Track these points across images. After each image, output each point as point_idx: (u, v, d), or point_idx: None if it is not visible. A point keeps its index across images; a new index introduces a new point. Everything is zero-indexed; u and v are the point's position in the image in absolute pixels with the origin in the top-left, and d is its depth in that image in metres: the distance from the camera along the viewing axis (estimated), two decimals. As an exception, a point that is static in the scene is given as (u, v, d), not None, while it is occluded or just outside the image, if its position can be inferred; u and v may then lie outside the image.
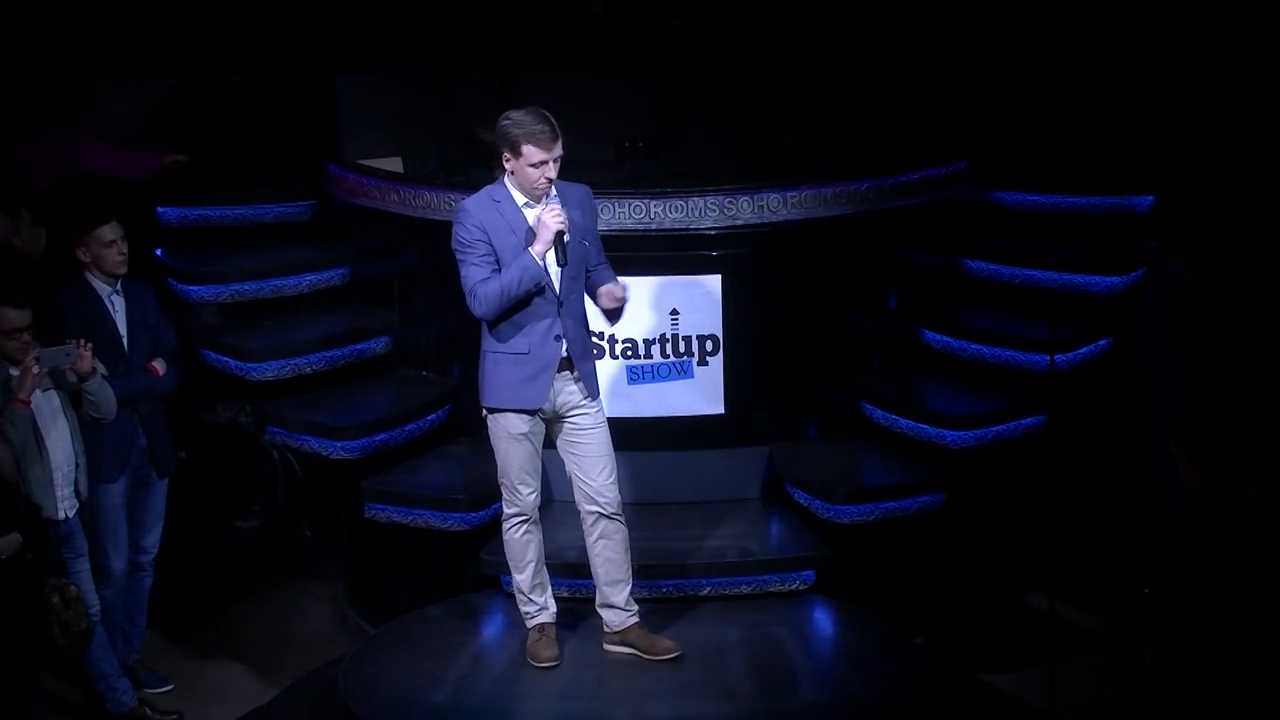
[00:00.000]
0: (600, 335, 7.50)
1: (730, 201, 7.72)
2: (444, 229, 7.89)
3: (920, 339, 8.28)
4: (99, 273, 7.40)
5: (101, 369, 7.09)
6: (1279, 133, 8.37)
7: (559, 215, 6.44)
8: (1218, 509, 6.55)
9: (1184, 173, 8.45)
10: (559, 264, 6.49)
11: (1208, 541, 6.55)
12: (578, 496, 6.78)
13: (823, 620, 7.38)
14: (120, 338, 7.41)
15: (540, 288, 6.52)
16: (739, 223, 7.75)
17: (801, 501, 7.71)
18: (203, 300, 8.58)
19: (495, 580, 7.52)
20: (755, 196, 7.76)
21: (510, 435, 6.69)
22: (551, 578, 6.98)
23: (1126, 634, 7.49)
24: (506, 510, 6.83)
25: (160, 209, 8.79)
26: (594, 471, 6.71)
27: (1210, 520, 6.55)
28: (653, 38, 9.47)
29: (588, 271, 6.69)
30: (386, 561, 8.06)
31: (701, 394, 7.84)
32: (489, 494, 7.61)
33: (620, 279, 6.70)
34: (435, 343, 8.43)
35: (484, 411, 6.77)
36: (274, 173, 9.14)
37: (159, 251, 8.66)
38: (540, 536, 6.87)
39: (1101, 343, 8.16)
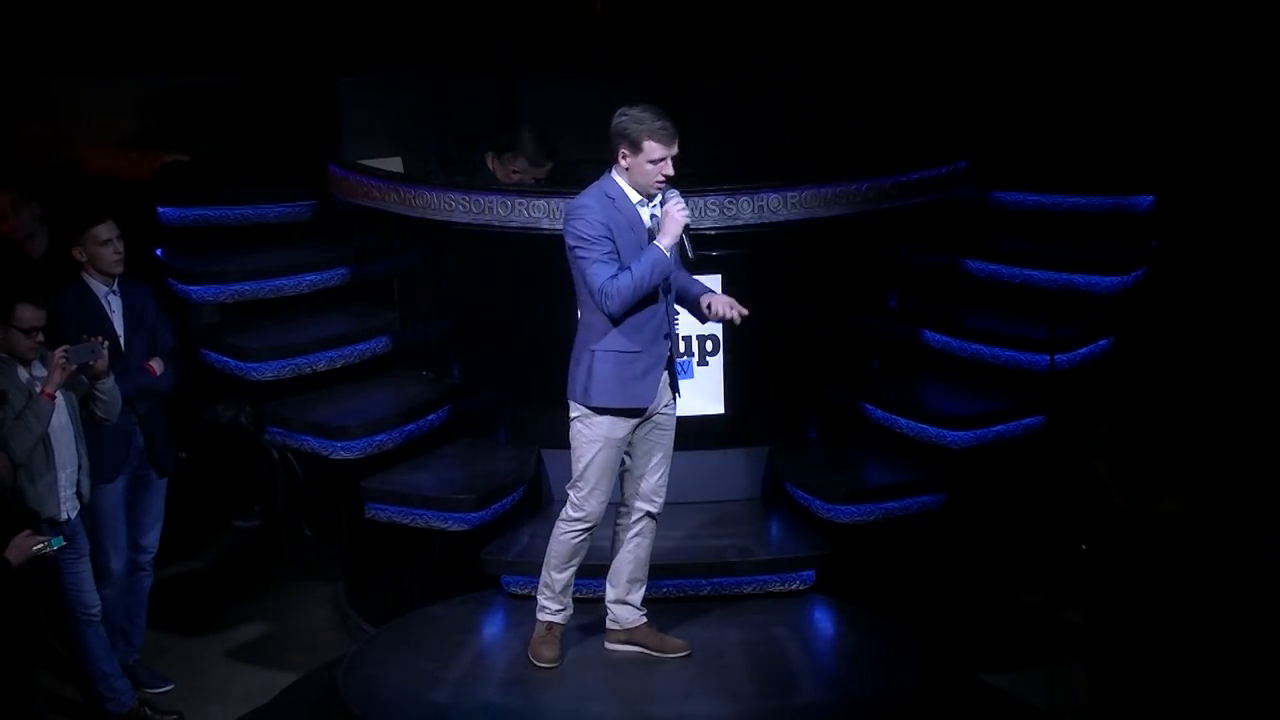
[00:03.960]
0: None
1: (730, 201, 7.72)
2: (444, 229, 7.94)
3: (920, 339, 8.28)
4: (95, 272, 7.40)
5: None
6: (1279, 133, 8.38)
7: (685, 208, 6.45)
8: (1143, 526, 6.56)
9: (1184, 173, 8.47)
10: (689, 257, 6.50)
11: (1138, 559, 6.56)
12: (628, 493, 6.79)
13: (823, 620, 7.38)
14: (117, 337, 7.40)
15: (666, 284, 6.53)
16: (739, 223, 7.75)
17: (801, 501, 7.71)
18: (203, 300, 8.58)
19: (495, 580, 7.52)
20: (755, 196, 7.76)
21: (606, 438, 6.58)
22: (549, 579, 6.99)
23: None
24: (571, 514, 6.70)
25: (160, 209, 8.79)
26: (654, 474, 6.76)
27: (1138, 537, 6.56)
28: (652, 38, 9.47)
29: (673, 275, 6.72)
30: (386, 561, 8.06)
31: (701, 394, 7.84)
32: (489, 494, 7.63)
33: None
34: (435, 343, 8.43)
35: (576, 412, 6.63)
36: (274, 173, 9.14)
37: (159, 251, 8.66)
38: (589, 544, 6.82)
39: (1101, 343, 8.15)
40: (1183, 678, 6.44)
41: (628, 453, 6.71)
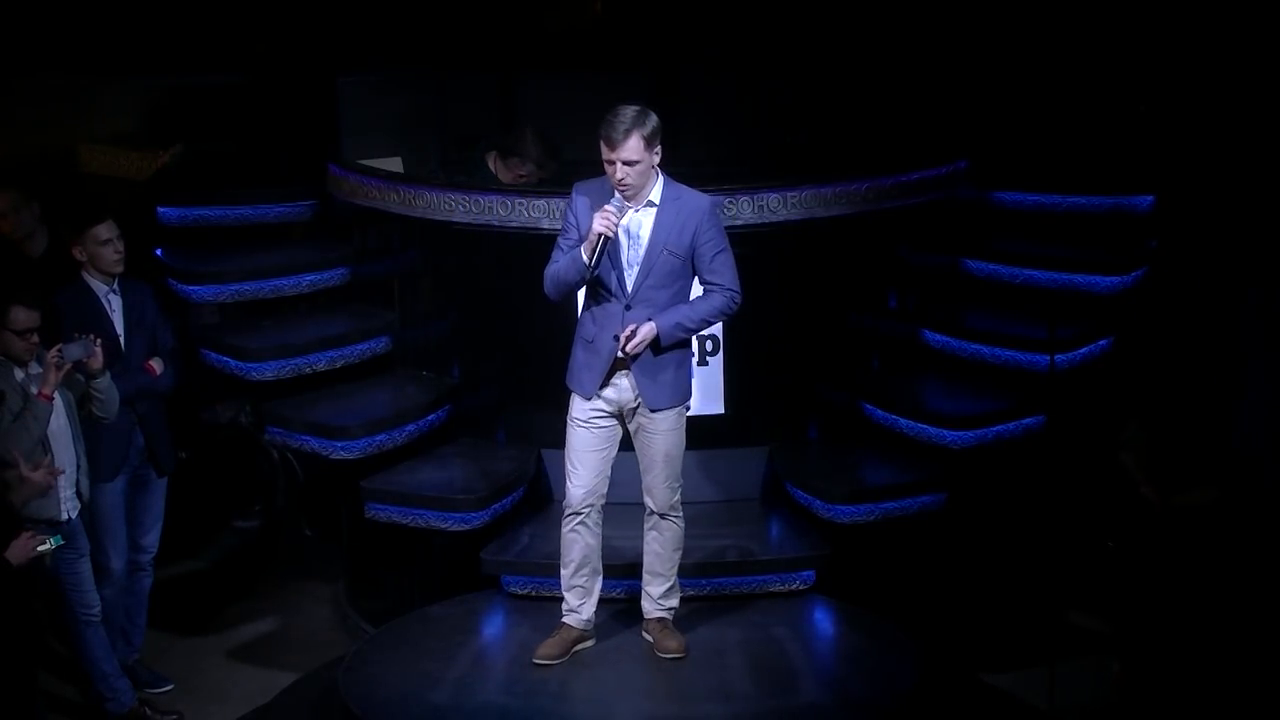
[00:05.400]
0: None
1: (730, 201, 7.71)
2: (444, 229, 7.94)
3: (920, 339, 8.28)
4: (95, 271, 7.40)
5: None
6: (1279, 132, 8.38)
7: (606, 218, 6.44)
8: (1172, 519, 6.55)
9: (1184, 173, 8.47)
10: (594, 266, 6.48)
11: (1169, 551, 6.56)
12: (642, 485, 6.86)
13: (823, 620, 7.38)
14: (117, 337, 7.41)
15: (597, 278, 6.54)
16: (739, 223, 7.74)
17: (801, 501, 7.71)
18: (203, 300, 8.58)
19: (495, 580, 7.52)
20: (755, 196, 7.75)
21: (572, 417, 6.76)
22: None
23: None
24: (564, 502, 6.87)
25: (160, 209, 8.79)
26: (649, 471, 6.79)
27: (1168, 529, 6.56)
28: (652, 38, 9.47)
29: (703, 289, 6.69)
30: (386, 561, 8.06)
31: (701, 394, 7.82)
32: (489, 494, 7.63)
33: (650, 329, 6.57)
34: (435, 343, 8.43)
35: None
36: (274, 173, 9.14)
37: (159, 251, 8.66)
38: (592, 541, 6.84)
39: (1101, 343, 8.16)
40: (1212, 671, 6.44)
41: None
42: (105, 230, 7.38)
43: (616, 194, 6.52)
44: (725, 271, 6.68)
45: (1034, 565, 7.92)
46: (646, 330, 6.55)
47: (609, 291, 6.61)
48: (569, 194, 6.81)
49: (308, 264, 8.61)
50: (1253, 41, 8.57)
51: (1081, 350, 8.07)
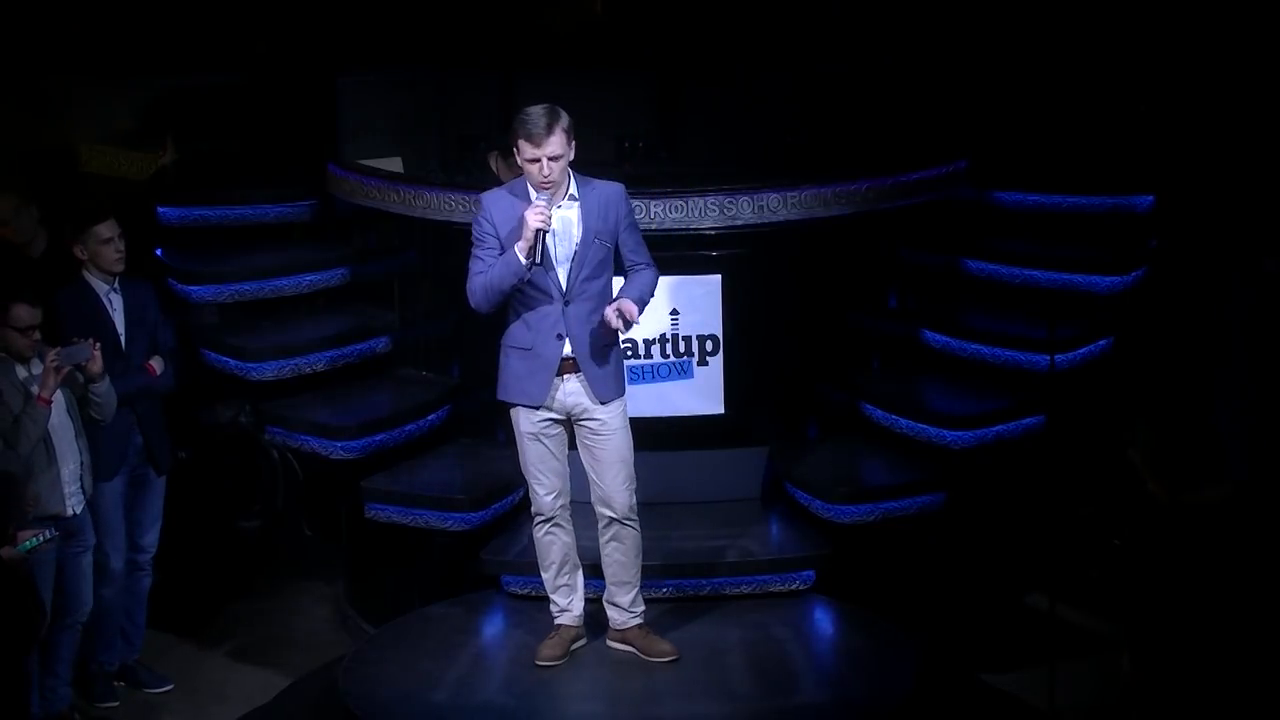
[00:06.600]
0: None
1: (730, 201, 7.71)
2: (444, 229, 7.94)
3: (920, 339, 8.28)
4: (96, 270, 7.40)
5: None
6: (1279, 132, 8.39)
7: (540, 214, 6.40)
8: (1181, 516, 6.55)
9: (1184, 173, 8.47)
10: (534, 263, 6.46)
11: (1179, 549, 6.55)
12: (593, 497, 6.76)
13: (823, 620, 7.38)
14: (118, 336, 7.41)
15: (529, 282, 6.48)
16: (739, 223, 7.75)
17: (801, 501, 7.71)
18: (203, 300, 8.59)
19: (495, 580, 7.52)
20: (755, 196, 7.75)
21: (521, 432, 6.70)
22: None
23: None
24: (531, 509, 6.84)
25: (160, 209, 8.80)
26: (605, 476, 6.70)
27: (1178, 527, 6.56)
28: (653, 38, 9.48)
29: (629, 271, 6.66)
30: (386, 561, 8.06)
31: (701, 394, 7.84)
32: (489, 494, 7.63)
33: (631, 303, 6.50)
34: (435, 343, 8.43)
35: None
36: (274, 173, 9.14)
37: (159, 251, 8.67)
38: (567, 539, 6.83)
39: (1101, 343, 8.16)
40: (1224, 669, 6.43)
41: (581, 457, 6.74)
42: (107, 229, 7.38)
43: (536, 192, 6.48)
44: (645, 250, 6.69)
45: (1034, 565, 7.92)
46: (629, 304, 6.48)
47: (542, 293, 6.54)
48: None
49: (308, 264, 8.62)
50: (1253, 41, 8.57)
51: (1081, 350, 8.07)
